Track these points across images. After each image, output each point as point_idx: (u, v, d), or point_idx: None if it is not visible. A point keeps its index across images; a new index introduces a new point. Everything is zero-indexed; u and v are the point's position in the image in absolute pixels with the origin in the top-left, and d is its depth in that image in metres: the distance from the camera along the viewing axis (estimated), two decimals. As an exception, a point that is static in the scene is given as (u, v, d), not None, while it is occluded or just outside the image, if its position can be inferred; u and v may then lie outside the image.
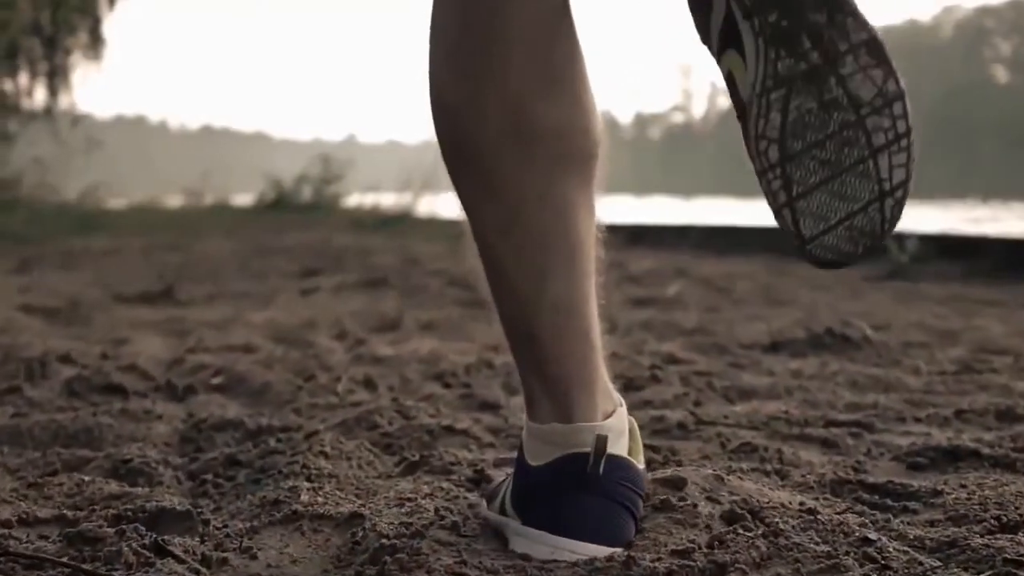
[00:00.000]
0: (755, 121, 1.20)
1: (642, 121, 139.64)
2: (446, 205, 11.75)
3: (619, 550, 1.12)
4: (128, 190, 17.48)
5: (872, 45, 1.21)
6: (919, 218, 8.73)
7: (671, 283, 4.69)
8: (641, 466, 1.24)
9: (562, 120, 1.24)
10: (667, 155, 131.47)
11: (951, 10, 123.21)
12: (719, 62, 1.28)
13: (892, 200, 1.21)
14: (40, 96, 17.14)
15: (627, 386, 2.04)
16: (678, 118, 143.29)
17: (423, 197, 11.42)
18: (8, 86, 17.05)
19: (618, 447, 1.21)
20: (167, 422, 1.71)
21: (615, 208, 11.67)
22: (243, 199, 14.34)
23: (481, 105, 1.22)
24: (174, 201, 14.67)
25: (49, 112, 16.52)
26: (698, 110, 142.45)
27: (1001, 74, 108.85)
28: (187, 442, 1.60)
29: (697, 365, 2.31)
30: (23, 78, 17.30)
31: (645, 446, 1.32)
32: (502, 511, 1.25)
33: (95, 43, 17.61)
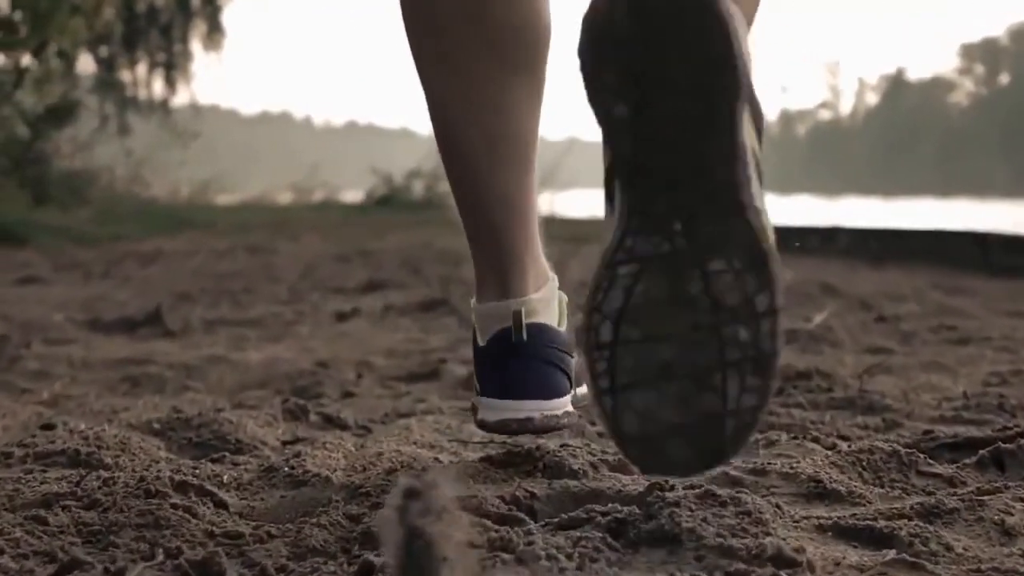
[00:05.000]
0: (595, 290, 1.05)
1: (788, 118, 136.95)
2: (566, 203, 10.81)
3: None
4: (253, 186, 16.96)
5: (755, 251, 1.04)
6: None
7: (817, 307, 3.62)
8: (562, 328, 1.40)
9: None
10: (813, 153, 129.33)
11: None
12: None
13: (735, 421, 1.00)
14: (158, 87, 16.78)
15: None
16: (825, 115, 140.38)
17: (542, 194, 10.52)
18: (127, 77, 16.73)
19: (545, 316, 1.38)
20: None
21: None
22: (357, 195, 13.62)
23: None
24: (284, 198, 13.96)
25: (164, 104, 16.13)
26: (845, 107, 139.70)
27: None
28: None
29: (860, 510, 1.26)
30: (141, 68, 16.97)
31: None
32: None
33: (214, 33, 17.19)
